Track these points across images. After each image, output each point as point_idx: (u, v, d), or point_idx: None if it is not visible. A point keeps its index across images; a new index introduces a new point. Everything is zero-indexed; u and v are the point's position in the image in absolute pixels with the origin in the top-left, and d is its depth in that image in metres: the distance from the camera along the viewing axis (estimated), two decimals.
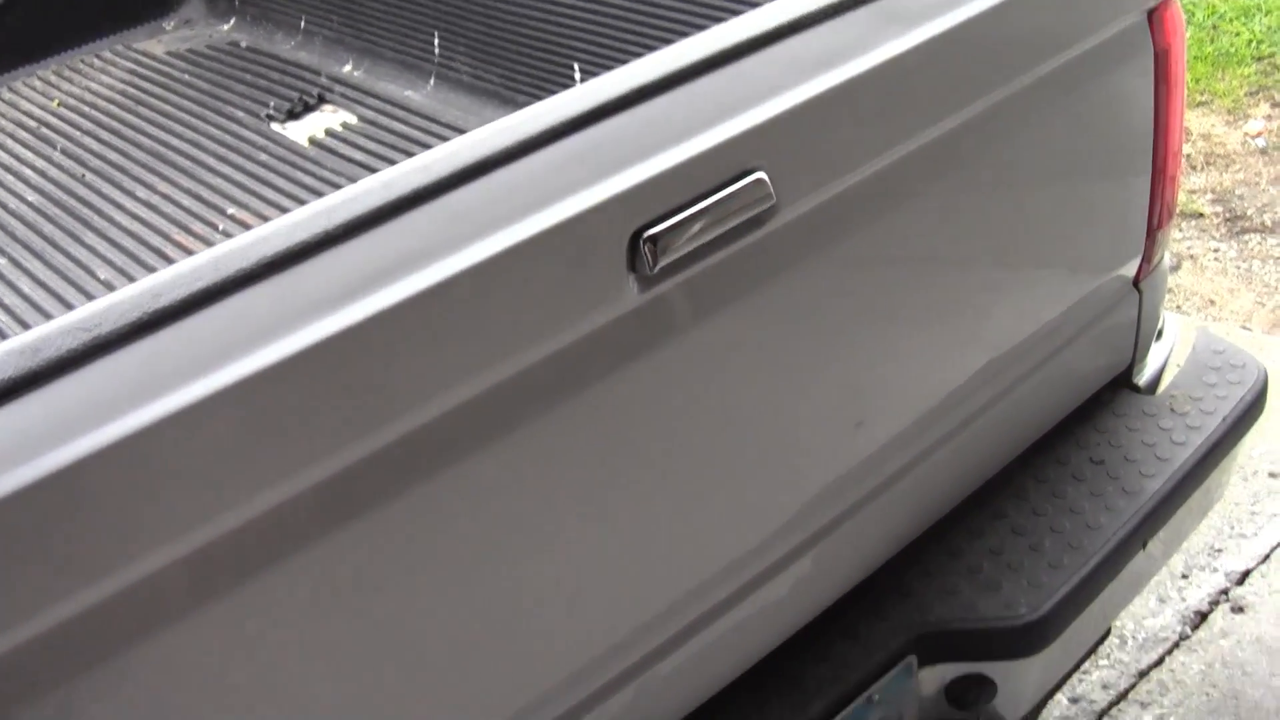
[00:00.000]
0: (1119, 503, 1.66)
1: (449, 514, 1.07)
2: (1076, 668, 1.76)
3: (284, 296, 0.95)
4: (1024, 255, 1.57)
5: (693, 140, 1.14)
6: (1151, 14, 1.57)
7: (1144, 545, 1.66)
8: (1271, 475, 2.69)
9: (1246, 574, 2.49)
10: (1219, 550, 2.54)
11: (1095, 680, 2.32)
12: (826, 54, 1.23)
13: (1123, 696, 2.29)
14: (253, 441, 0.93)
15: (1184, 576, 2.51)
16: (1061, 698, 2.27)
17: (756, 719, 1.42)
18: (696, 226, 1.14)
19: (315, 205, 1.00)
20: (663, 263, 1.12)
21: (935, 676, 1.57)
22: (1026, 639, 1.53)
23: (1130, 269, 1.73)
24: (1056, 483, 1.69)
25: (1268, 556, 2.52)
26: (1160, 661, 2.34)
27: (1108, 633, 1.80)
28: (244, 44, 2.88)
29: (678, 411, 1.21)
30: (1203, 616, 2.43)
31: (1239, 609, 2.42)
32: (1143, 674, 2.33)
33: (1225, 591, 2.47)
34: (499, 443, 1.08)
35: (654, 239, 1.11)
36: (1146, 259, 1.75)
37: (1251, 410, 1.80)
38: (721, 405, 1.25)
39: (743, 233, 1.18)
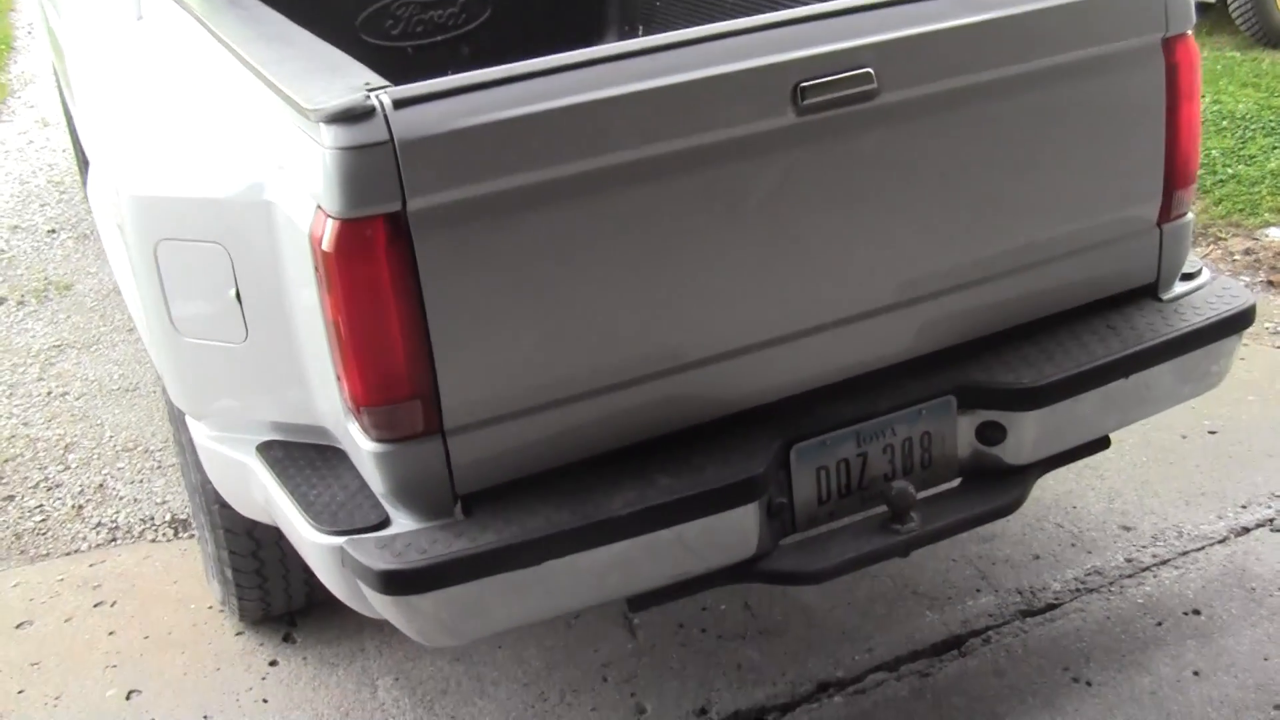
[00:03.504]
0: (1114, 346, 2.61)
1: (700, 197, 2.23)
2: (1070, 458, 2.66)
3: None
4: (1062, 172, 2.55)
5: (838, 43, 2.26)
6: (1166, 41, 2.56)
7: (1125, 375, 2.59)
8: None
9: None
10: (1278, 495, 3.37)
11: (1148, 552, 3.20)
12: (917, 17, 2.33)
13: (1164, 563, 3.15)
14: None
15: (1243, 506, 3.35)
16: (1125, 546, 3.15)
17: (844, 398, 2.46)
18: (829, 88, 2.25)
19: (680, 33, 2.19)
20: (808, 102, 2.24)
21: (969, 422, 2.55)
22: (1025, 398, 2.50)
23: (1149, 211, 2.67)
24: (1080, 332, 2.65)
25: None
26: (1201, 549, 3.19)
27: (1106, 442, 2.69)
28: None
29: (802, 184, 2.30)
30: (1246, 530, 3.24)
31: (1277, 530, 3.23)
32: (1184, 554, 3.19)
33: (1271, 520, 3.27)
34: (725, 167, 2.22)
35: (805, 89, 2.24)
36: (1165, 210, 2.69)
37: (1235, 320, 2.69)
38: (833, 193, 2.34)
39: (856, 100, 2.28)
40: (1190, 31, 2.60)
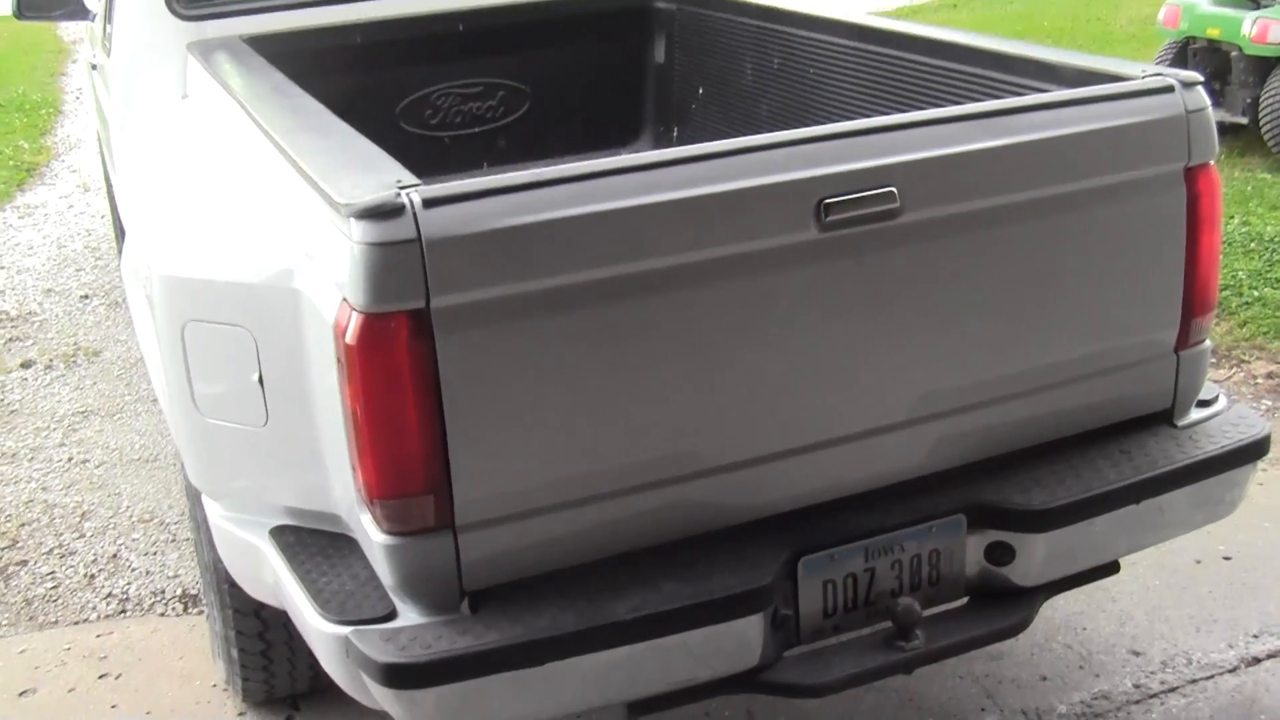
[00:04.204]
0: (1127, 471, 2.61)
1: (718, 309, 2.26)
2: (1078, 581, 2.65)
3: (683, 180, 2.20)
4: (1081, 296, 2.57)
5: (863, 162, 2.30)
6: (1188, 170, 2.59)
7: (1137, 500, 2.58)
8: None
9: None
10: None
11: (1157, 678, 3.17)
12: (944, 139, 2.37)
13: (1172, 690, 3.12)
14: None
15: (1255, 635, 3.32)
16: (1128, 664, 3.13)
17: (853, 512, 2.47)
18: (853, 205, 2.29)
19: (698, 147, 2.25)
20: (830, 219, 2.28)
21: (978, 541, 2.55)
22: (1035, 520, 2.50)
23: (1167, 337, 2.69)
24: (1093, 455, 2.65)
25: None
26: (1210, 678, 3.16)
27: (1116, 567, 2.69)
28: None
29: (823, 298, 2.33)
30: (1257, 660, 3.21)
31: None
32: (1193, 682, 3.16)
33: None
34: (746, 279, 2.26)
35: (828, 206, 2.27)
36: (1183, 336, 2.70)
37: (1249, 449, 2.70)
38: (853, 309, 2.37)
39: (879, 218, 2.32)
40: (1213, 161, 2.63)
